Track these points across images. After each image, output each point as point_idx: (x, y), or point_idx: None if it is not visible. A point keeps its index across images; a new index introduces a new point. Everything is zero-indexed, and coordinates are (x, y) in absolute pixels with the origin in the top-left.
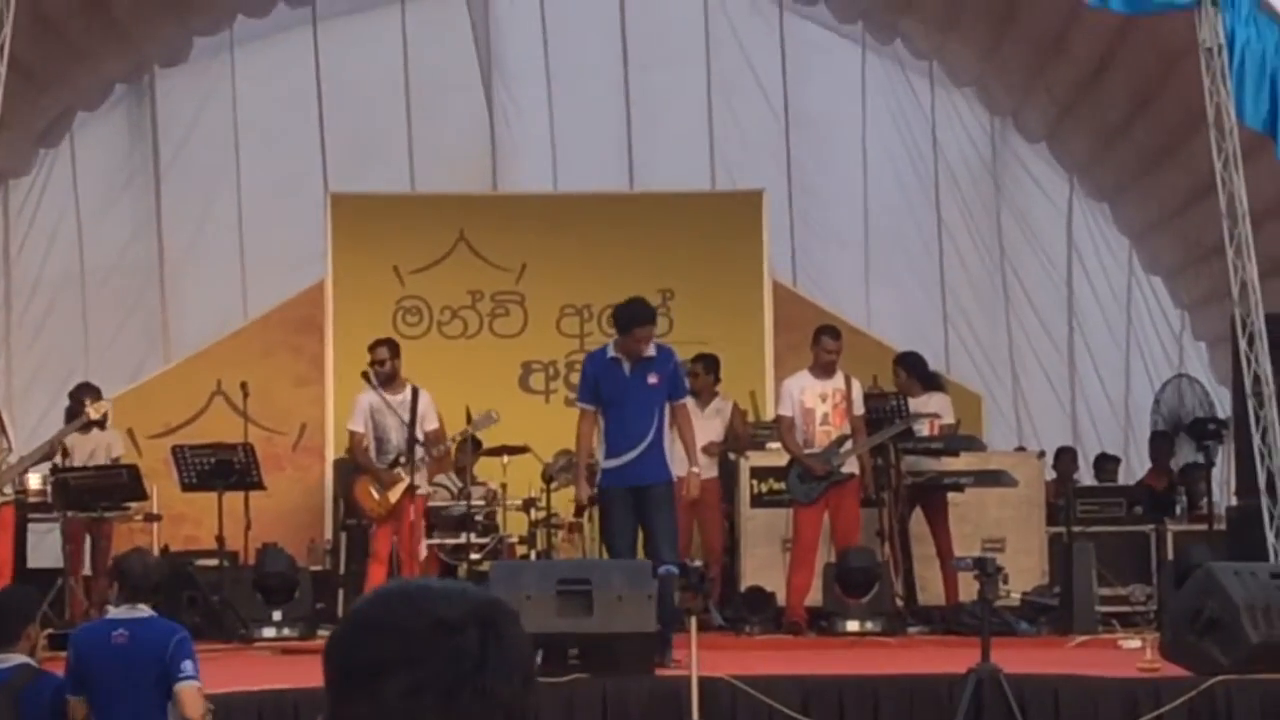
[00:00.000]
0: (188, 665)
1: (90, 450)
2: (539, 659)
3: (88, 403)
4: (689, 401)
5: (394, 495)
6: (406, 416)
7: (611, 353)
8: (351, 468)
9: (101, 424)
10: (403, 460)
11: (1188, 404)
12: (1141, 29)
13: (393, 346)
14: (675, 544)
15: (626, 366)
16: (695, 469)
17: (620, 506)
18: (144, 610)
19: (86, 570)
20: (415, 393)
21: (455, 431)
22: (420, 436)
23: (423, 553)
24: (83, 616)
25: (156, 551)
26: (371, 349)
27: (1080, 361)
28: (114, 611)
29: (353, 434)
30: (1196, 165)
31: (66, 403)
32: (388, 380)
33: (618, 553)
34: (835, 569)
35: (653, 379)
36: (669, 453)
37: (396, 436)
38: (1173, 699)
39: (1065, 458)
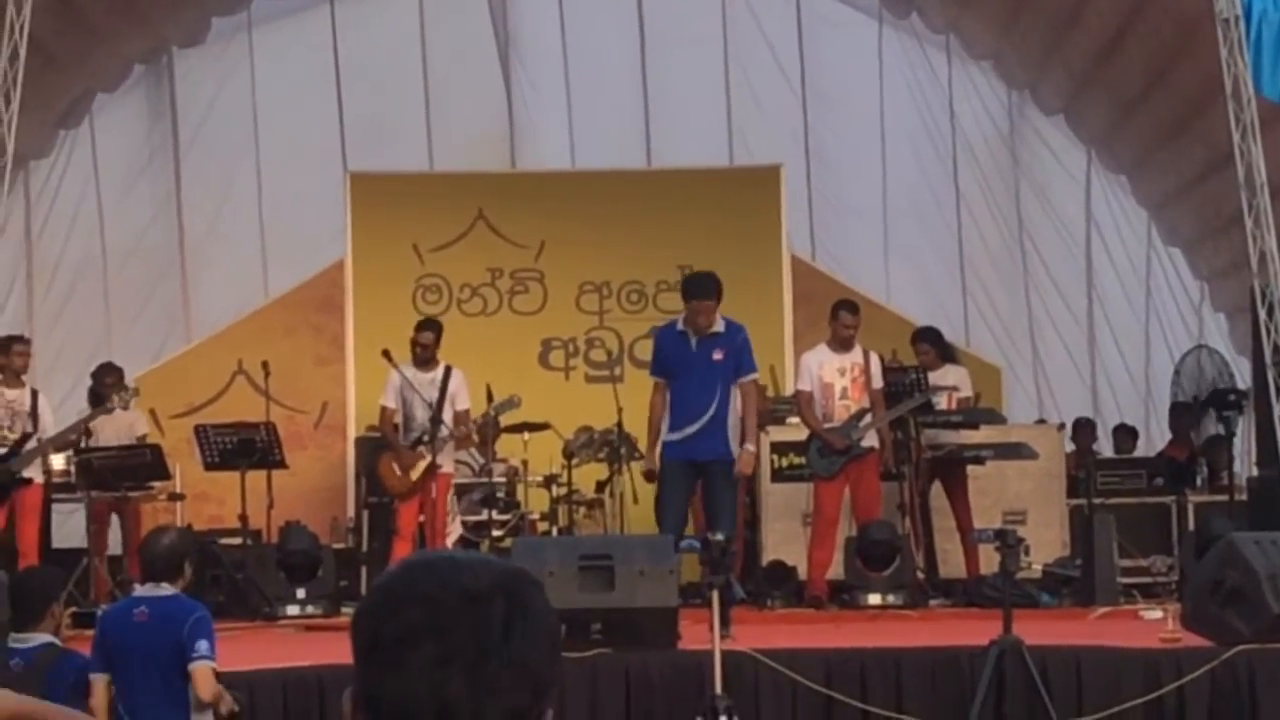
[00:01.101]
0: (203, 645)
1: (114, 431)
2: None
3: (113, 394)
4: None
5: (415, 473)
6: (435, 395)
7: (680, 325)
8: (375, 445)
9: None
10: (425, 439)
11: (1208, 375)
12: (1157, 0)
13: (439, 331)
14: (731, 522)
15: (693, 340)
16: (749, 446)
17: (674, 479)
18: (166, 588)
19: (114, 550)
20: (448, 371)
21: (477, 413)
22: (449, 414)
23: (455, 532)
24: (107, 596)
25: None
26: (417, 329)
27: (1100, 333)
28: (139, 589)
29: (383, 409)
30: (1214, 136)
31: (89, 383)
32: (425, 361)
33: (663, 525)
34: (856, 543)
35: (718, 354)
36: (734, 430)
37: (422, 414)
38: (1194, 669)
39: (1085, 430)
